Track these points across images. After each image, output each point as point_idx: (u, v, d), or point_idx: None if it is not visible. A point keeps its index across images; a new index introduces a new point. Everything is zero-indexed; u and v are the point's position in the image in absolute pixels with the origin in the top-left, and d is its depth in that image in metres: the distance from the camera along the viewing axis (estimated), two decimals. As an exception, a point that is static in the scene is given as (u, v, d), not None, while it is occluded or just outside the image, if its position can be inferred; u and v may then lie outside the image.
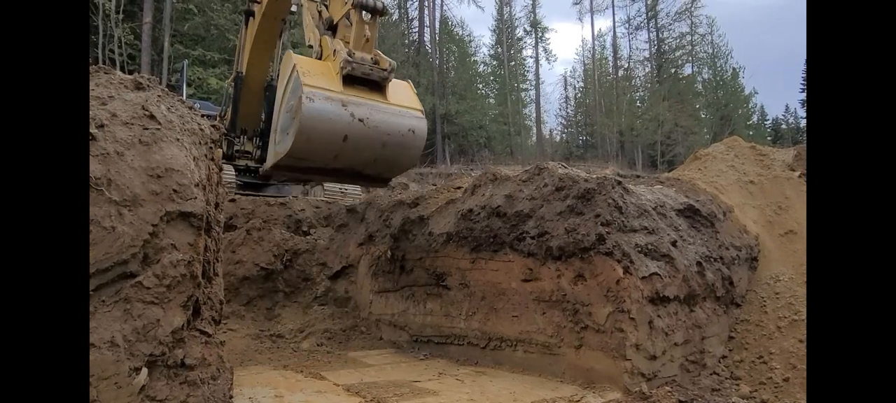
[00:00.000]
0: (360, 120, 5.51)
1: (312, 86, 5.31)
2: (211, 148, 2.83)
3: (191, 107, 2.86)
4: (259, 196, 9.38)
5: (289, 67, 5.62)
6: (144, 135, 2.38)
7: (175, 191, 2.36)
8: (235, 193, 9.12)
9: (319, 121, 5.28)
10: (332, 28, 6.18)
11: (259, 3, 8.89)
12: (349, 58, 5.56)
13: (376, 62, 5.75)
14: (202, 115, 2.90)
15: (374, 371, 5.09)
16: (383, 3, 5.88)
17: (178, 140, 2.50)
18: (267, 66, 10.04)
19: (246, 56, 9.36)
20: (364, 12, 5.75)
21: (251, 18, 9.16)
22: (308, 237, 7.87)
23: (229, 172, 9.72)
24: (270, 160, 5.92)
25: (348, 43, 5.74)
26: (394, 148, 5.83)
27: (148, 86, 2.66)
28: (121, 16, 22.74)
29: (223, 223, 3.30)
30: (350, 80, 5.57)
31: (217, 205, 2.93)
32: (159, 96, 2.65)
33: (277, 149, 5.64)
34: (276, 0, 9.00)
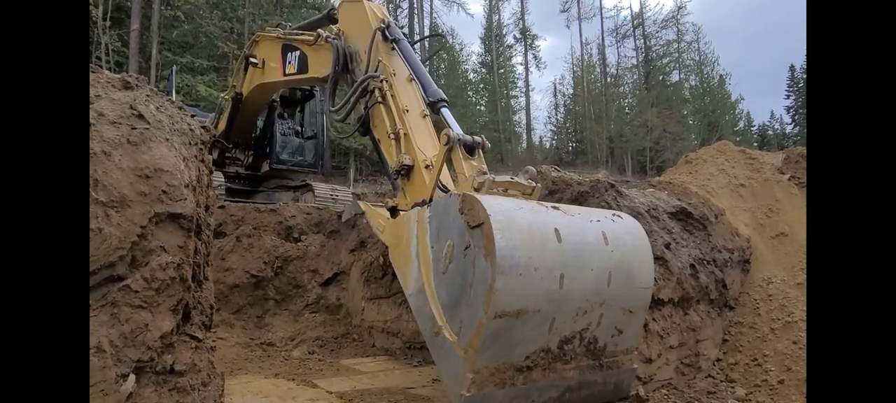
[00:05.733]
0: (554, 207, 3.71)
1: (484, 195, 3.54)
2: (201, 149, 2.77)
3: (180, 108, 2.81)
4: (249, 203, 9.29)
5: (409, 227, 3.98)
6: (132, 135, 2.32)
7: (164, 192, 2.30)
8: (225, 200, 9.01)
9: (512, 212, 3.35)
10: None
11: (257, 65, 8.47)
12: (483, 175, 3.95)
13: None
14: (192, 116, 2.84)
15: (367, 378, 5.01)
16: (483, 138, 4.40)
17: (167, 140, 2.44)
18: (270, 97, 9.95)
19: (247, 88, 9.07)
20: (463, 150, 4.24)
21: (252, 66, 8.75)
22: (299, 244, 7.77)
23: (219, 177, 9.62)
24: (458, 383, 3.28)
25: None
26: (619, 242, 3.81)
27: (136, 85, 2.60)
28: (108, 22, 22.55)
29: (213, 227, 3.24)
30: None
31: (207, 208, 2.87)
32: (148, 96, 2.59)
33: (466, 334, 3.28)
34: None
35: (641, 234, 4.09)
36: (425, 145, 4.83)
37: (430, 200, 4.33)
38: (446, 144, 4.25)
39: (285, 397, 4.20)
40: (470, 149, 4.30)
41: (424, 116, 5.09)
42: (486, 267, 3.15)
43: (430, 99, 5.01)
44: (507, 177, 4.06)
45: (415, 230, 3.88)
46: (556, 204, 3.81)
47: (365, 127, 5.43)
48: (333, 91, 6.01)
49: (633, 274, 3.92)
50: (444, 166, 4.41)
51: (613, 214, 4.12)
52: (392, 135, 4.98)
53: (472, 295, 3.27)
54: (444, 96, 5.08)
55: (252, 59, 8.39)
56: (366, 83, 5.34)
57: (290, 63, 7.36)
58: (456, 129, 4.41)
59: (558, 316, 3.52)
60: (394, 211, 4.89)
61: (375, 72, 5.34)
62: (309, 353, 6.23)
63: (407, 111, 5.02)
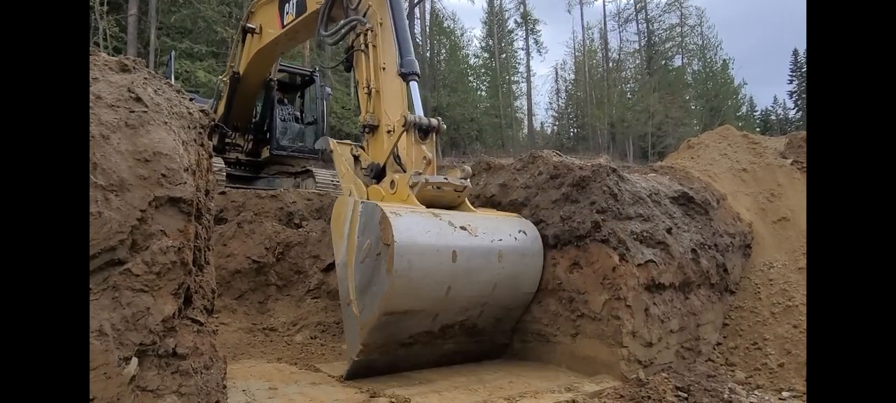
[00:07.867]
0: (462, 228, 4.24)
1: (392, 208, 4.06)
2: (200, 133, 2.76)
3: (179, 91, 2.78)
4: (250, 189, 9.28)
5: (347, 210, 4.49)
6: (131, 118, 2.30)
7: (163, 175, 2.28)
8: (226, 186, 8.99)
9: (418, 236, 3.94)
10: (378, 176, 4.97)
11: (255, 31, 8.50)
12: (418, 176, 4.46)
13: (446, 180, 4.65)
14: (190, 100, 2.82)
15: (368, 362, 5.04)
16: (438, 121, 4.89)
17: (166, 123, 2.42)
18: (268, 70, 9.85)
19: (245, 63, 9.02)
20: (417, 133, 4.76)
21: (249, 35, 8.74)
22: (300, 229, 7.77)
23: (219, 163, 9.60)
24: (354, 347, 4.20)
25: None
26: (512, 259, 4.52)
27: (134, 68, 2.58)
28: (105, 8, 22.37)
29: (213, 212, 3.23)
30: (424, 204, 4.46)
31: (207, 192, 2.86)
32: (146, 78, 2.57)
33: (365, 316, 4.08)
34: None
35: (537, 250, 4.82)
36: (393, 107, 5.16)
37: (384, 167, 4.94)
38: (403, 126, 4.72)
39: (288, 381, 4.22)
40: (425, 133, 4.82)
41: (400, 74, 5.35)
42: (385, 279, 3.85)
43: (403, 70, 5.21)
44: (441, 178, 4.64)
45: (350, 216, 4.45)
46: (468, 224, 4.35)
47: (349, 63, 5.78)
48: (327, 13, 6.14)
49: (519, 283, 4.70)
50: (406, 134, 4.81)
51: (519, 230, 4.75)
52: (366, 88, 5.33)
53: (372, 292, 4.00)
54: (417, 69, 5.28)
55: (249, 26, 8.47)
56: (354, 24, 5.56)
57: (288, 13, 7.48)
58: (417, 109, 4.88)
59: (442, 313, 4.28)
60: (357, 160, 5.39)
61: (364, 16, 5.55)
62: (311, 338, 6.27)
63: (384, 68, 5.30)
